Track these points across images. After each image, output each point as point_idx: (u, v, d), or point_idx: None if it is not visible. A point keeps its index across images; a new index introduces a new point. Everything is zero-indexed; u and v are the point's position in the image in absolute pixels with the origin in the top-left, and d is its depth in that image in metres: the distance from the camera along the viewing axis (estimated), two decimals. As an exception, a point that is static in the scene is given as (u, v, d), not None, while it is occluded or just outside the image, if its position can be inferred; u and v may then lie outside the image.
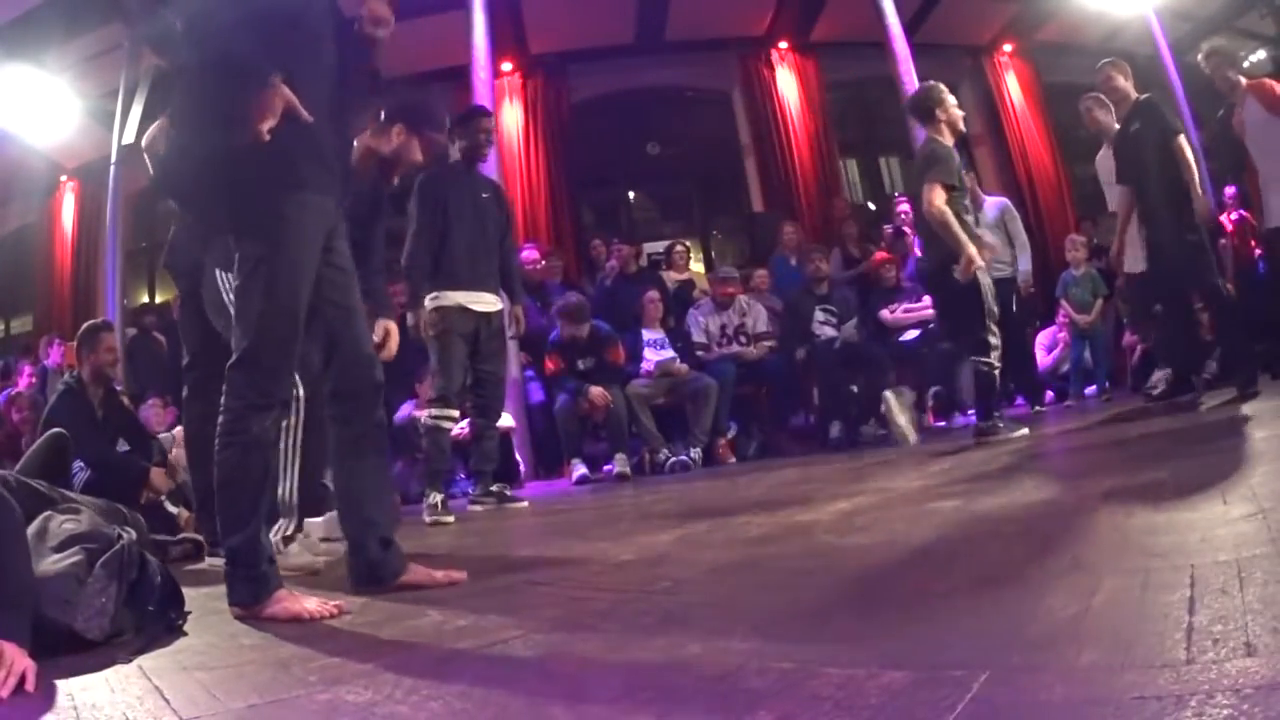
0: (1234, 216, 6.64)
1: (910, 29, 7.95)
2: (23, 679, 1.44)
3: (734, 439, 6.34)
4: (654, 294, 6.65)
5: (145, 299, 9.63)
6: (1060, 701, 0.92)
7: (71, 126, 8.48)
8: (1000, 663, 1.06)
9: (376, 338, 2.93)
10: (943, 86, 4.80)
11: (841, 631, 1.39)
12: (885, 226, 8.07)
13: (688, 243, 8.71)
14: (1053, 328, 7.39)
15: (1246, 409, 4.07)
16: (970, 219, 4.69)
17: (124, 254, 8.06)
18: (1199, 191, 4.61)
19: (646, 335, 6.44)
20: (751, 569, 2.03)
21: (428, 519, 4.11)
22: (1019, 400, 6.89)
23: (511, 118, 9.29)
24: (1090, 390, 7.04)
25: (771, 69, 9.87)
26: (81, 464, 3.81)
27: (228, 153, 2.01)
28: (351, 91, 2.27)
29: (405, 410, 5.84)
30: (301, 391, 2.62)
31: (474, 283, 4.39)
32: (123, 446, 4.30)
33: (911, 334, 6.66)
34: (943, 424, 6.69)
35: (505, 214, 4.74)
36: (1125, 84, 4.92)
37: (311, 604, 1.94)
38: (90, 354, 4.17)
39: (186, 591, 2.09)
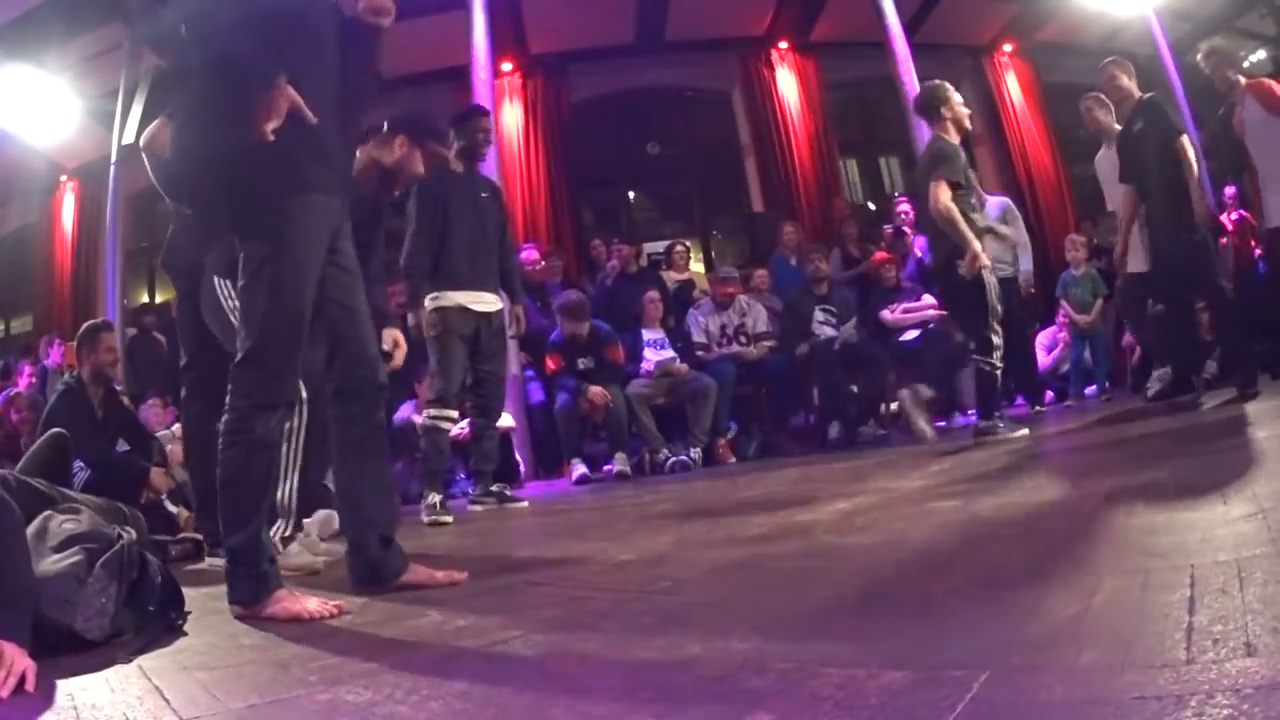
0: (1234, 216, 6.63)
1: (910, 29, 7.95)
2: (23, 679, 1.44)
3: (734, 439, 6.34)
4: (654, 294, 6.64)
5: (145, 299, 9.63)
6: (1060, 701, 0.92)
7: (71, 126, 8.48)
8: (1000, 663, 1.06)
9: (385, 347, 2.93)
10: (948, 85, 4.80)
11: (841, 631, 1.39)
12: (885, 226, 8.07)
13: (688, 243, 8.71)
14: (1053, 328, 7.39)
15: (1246, 409, 4.07)
16: (977, 217, 4.69)
17: (124, 254, 8.07)
18: (1199, 192, 4.61)
19: (646, 335, 6.44)
20: (751, 569, 2.03)
21: (425, 519, 4.11)
22: (1019, 400, 6.88)
23: (511, 118, 9.29)
24: (1090, 390, 7.04)
25: (771, 69, 9.87)
26: (81, 464, 3.81)
27: (232, 153, 2.01)
28: (355, 92, 2.28)
29: (405, 410, 5.84)
30: (304, 394, 2.62)
31: (474, 282, 4.39)
32: (123, 446, 4.31)
33: (911, 334, 6.66)
34: (943, 424, 6.69)
35: (503, 214, 4.74)
36: (1129, 83, 4.92)
37: (311, 604, 1.95)
38: (90, 354, 4.17)
39: (186, 591, 2.10)
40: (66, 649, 1.70)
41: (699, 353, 6.37)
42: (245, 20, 1.98)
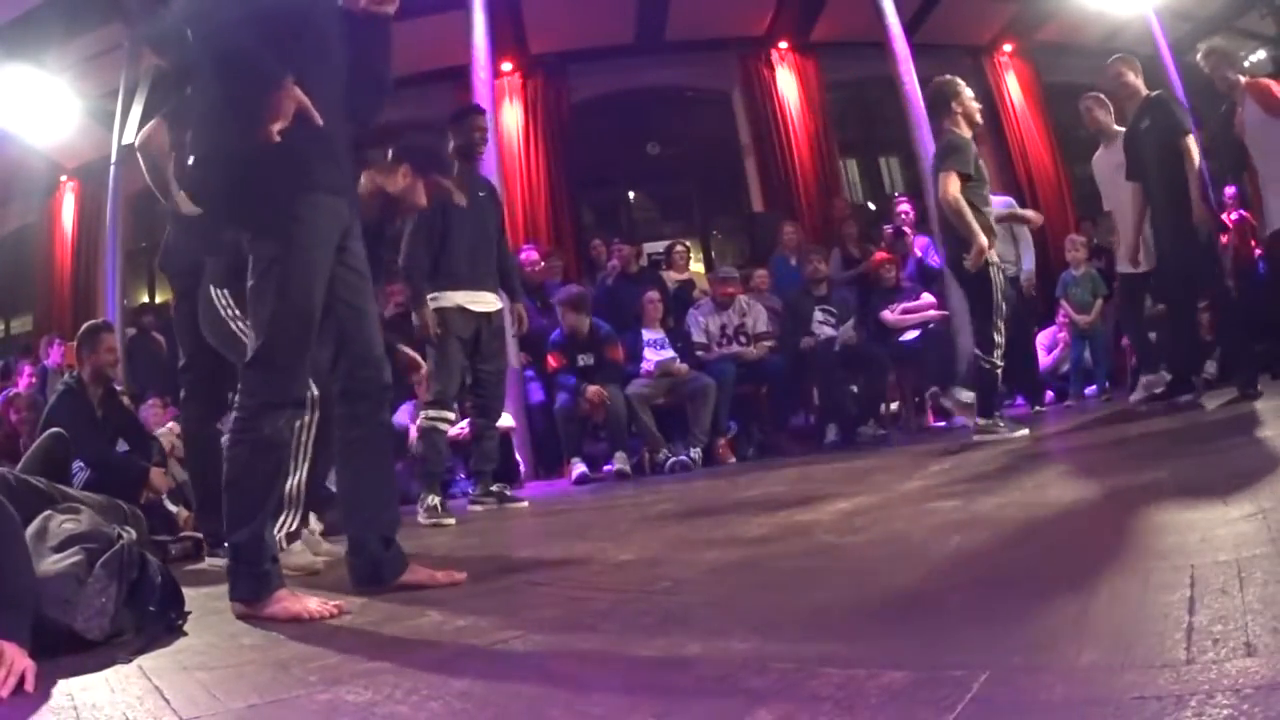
0: (1234, 216, 6.63)
1: (910, 29, 7.94)
2: (22, 679, 1.44)
3: (734, 439, 6.34)
4: (654, 294, 6.64)
5: (145, 299, 9.63)
6: (1060, 701, 0.92)
7: (71, 126, 8.48)
8: (1000, 663, 1.06)
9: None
10: (959, 80, 4.82)
11: (841, 631, 1.39)
12: (885, 226, 8.06)
13: (688, 243, 8.71)
14: (1053, 328, 7.39)
15: (1247, 409, 4.08)
16: (990, 210, 4.69)
17: (124, 254, 8.06)
18: (1198, 193, 4.60)
19: (646, 335, 6.44)
20: (751, 569, 2.03)
21: (423, 520, 4.11)
22: (1019, 400, 6.88)
23: (511, 118, 9.29)
24: (1090, 390, 7.04)
25: (771, 69, 9.87)
26: (81, 464, 3.81)
27: (240, 154, 2.02)
28: (367, 91, 2.28)
29: (404, 410, 5.84)
30: (316, 392, 2.62)
31: (474, 282, 4.38)
32: (123, 447, 4.31)
33: (912, 334, 6.66)
34: (943, 424, 6.69)
35: (500, 213, 4.73)
36: (1135, 80, 4.92)
37: (312, 604, 1.95)
38: (90, 354, 4.17)
39: (186, 591, 2.10)
40: (66, 649, 1.70)
41: (699, 353, 6.37)
42: (249, 19, 1.99)
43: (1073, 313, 7.06)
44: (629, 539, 2.87)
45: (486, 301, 4.43)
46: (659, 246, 8.83)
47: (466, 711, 1.18)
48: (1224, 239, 6.15)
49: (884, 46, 7.53)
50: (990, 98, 10.02)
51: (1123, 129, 5.23)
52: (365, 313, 2.26)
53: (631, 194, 10.57)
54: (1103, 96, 5.35)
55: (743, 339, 6.50)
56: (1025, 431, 4.52)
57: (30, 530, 1.93)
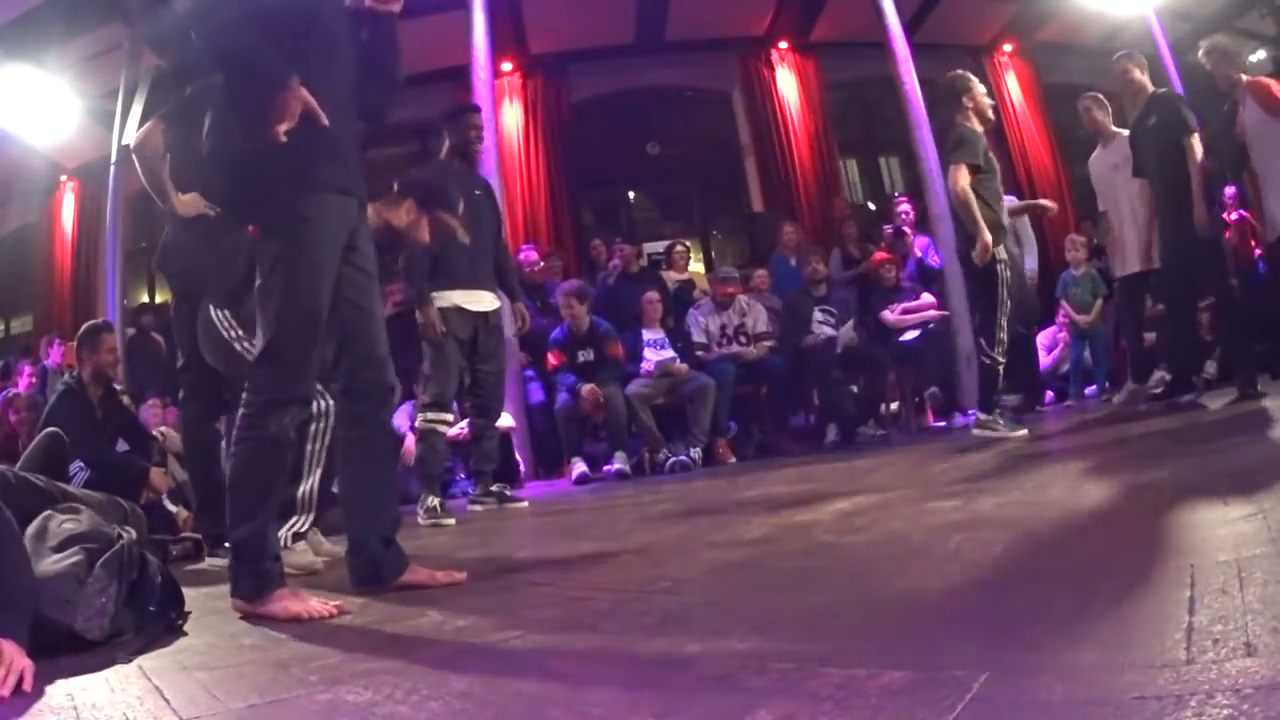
0: (1234, 216, 6.63)
1: (910, 29, 7.94)
2: (21, 678, 1.44)
3: (734, 439, 6.34)
4: (653, 294, 6.64)
5: (145, 299, 9.63)
6: (1060, 701, 0.92)
7: (71, 126, 8.48)
8: (1000, 663, 1.06)
9: None
10: (971, 76, 4.84)
11: (841, 631, 1.39)
12: (885, 226, 8.07)
13: (688, 243, 8.71)
14: (1052, 328, 7.39)
15: (1247, 409, 4.08)
16: (1002, 206, 4.69)
17: (124, 254, 8.05)
18: (1200, 192, 4.59)
19: (646, 335, 6.44)
20: (751, 569, 2.03)
21: (423, 521, 4.11)
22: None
23: (511, 118, 9.29)
24: (1090, 390, 7.04)
25: (771, 69, 9.87)
26: (81, 464, 3.82)
27: (246, 153, 2.03)
28: (376, 91, 2.29)
29: (404, 411, 5.83)
30: (329, 402, 2.63)
31: (472, 281, 4.38)
32: (122, 447, 4.31)
33: (912, 334, 6.67)
34: (943, 424, 6.70)
35: (496, 212, 4.73)
36: (1141, 76, 4.91)
37: (312, 604, 1.95)
38: (91, 354, 4.17)
39: (186, 591, 2.10)
40: (66, 649, 1.70)
41: (699, 353, 6.37)
42: (254, 18, 1.99)
43: (1073, 313, 7.06)
44: (629, 539, 2.87)
45: (484, 301, 4.43)
46: (659, 246, 8.83)
47: (466, 711, 1.18)
48: (1226, 234, 6.14)
49: (884, 46, 7.52)
50: (990, 98, 10.01)
51: (1120, 130, 5.23)
52: (371, 313, 2.26)
53: (631, 194, 10.57)
54: (1101, 97, 5.34)
55: (743, 339, 6.50)
56: (1025, 432, 4.52)
57: (30, 530, 1.94)
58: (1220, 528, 1.62)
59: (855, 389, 6.56)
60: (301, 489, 2.77)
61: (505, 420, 5.22)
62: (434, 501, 4.21)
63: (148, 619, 1.90)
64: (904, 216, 7.69)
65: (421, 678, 1.36)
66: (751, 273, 7.27)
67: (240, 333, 2.76)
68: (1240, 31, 9.66)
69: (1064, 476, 2.97)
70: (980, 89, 4.74)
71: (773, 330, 6.58)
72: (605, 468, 5.92)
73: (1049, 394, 7.06)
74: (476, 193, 4.57)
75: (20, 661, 1.46)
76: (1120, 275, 5.30)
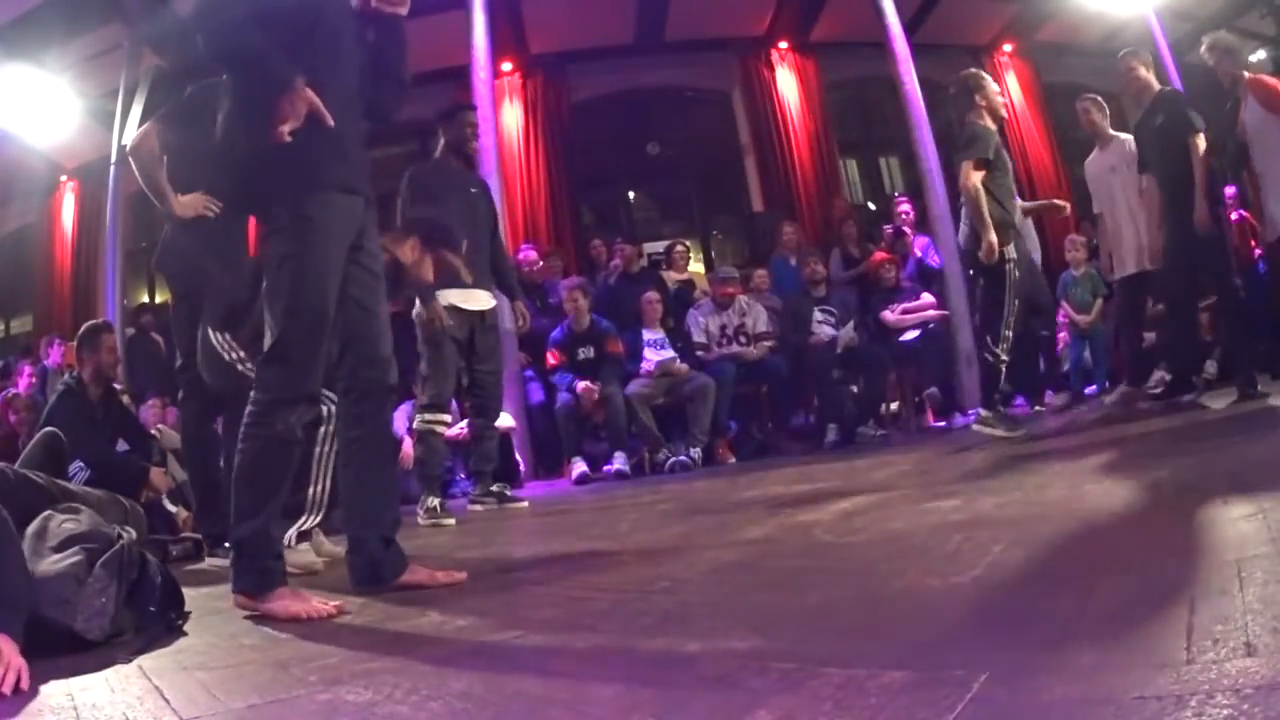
0: (1234, 216, 6.62)
1: (910, 29, 7.94)
2: (18, 676, 1.44)
3: (734, 439, 6.34)
4: (652, 295, 6.64)
5: (145, 299, 9.63)
6: (1060, 701, 0.92)
7: (71, 126, 8.48)
8: (1000, 663, 1.06)
9: None
10: (984, 74, 4.85)
11: (841, 631, 1.39)
12: (885, 226, 8.07)
13: (688, 243, 8.70)
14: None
15: (1247, 409, 4.08)
16: (1016, 203, 4.69)
17: (124, 254, 8.06)
18: (1203, 191, 4.59)
19: (646, 335, 6.44)
20: (751, 569, 2.03)
21: (423, 521, 4.11)
22: (1019, 400, 6.88)
23: (511, 118, 9.29)
24: (1090, 390, 7.03)
25: (771, 69, 9.87)
26: (81, 464, 3.82)
27: (252, 153, 2.03)
28: (384, 91, 2.30)
29: (403, 412, 5.83)
30: (336, 408, 2.64)
31: (468, 274, 4.36)
32: (122, 446, 4.31)
33: (912, 334, 6.67)
34: (943, 424, 6.70)
35: (492, 210, 4.72)
36: (1147, 74, 4.90)
37: (313, 604, 1.95)
38: (91, 354, 4.17)
39: (186, 591, 2.10)
40: (66, 649, 1.70)
41: (699, 353, 6.37)
42: (258, 17, 1.99)
43: (1073, 313, 7.05)
44: (629, 539, 2.87)
45: (479, 300, 4.42)
46: (659, 246, 8.83)
47: (466, 711, 1.18)
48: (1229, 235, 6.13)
49: (884, 46, 7.52)
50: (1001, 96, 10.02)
51: (1117, 134, 5.23)
52: (375, 314, 2.27)
53: (631, 194, 10.57)
54: (1100, 99, 5.33)
55: (743, 339, 6.50)
56: (1024, 432, 4.52)
57: (30, 530, 1.94)
58: (1220, 528, 1.62)
59: (855, 389, 6.56)
60: (311, 490, 2.77)
61: (505, 420, 5.22)
62: (434, 502, 4.21)
63: (148, 619, 1.90)
64: (904, 216, 7.69)
65: (421, 678, 1.36)
66: (751, 273, 7.27)
67: (241, 354, 2.77)
68: (1240, 31, 9.65)
69: (1064, 476, 2.97)
70: (993, 87, 4.73)
71: (773, 330, 6.58)
72: (605, 468, 5.92)
73: (1049, 394, 7.05)
74: (472, 191, 4.57)
75: (17, 660, 1.46)
76: (1119, 277, 5.29)
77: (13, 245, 10.07)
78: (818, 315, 6.60)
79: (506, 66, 9.17)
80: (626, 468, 5.79)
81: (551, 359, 6.15)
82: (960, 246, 5.22)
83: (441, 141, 4.55)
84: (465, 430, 4.91)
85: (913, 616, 1.42)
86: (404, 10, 2.28)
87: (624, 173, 10.32)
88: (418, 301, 4.23)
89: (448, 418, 4.44)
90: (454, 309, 4.31)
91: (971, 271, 5.51)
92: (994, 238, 4.37)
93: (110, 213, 7.96)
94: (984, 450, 4.12)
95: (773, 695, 1.06)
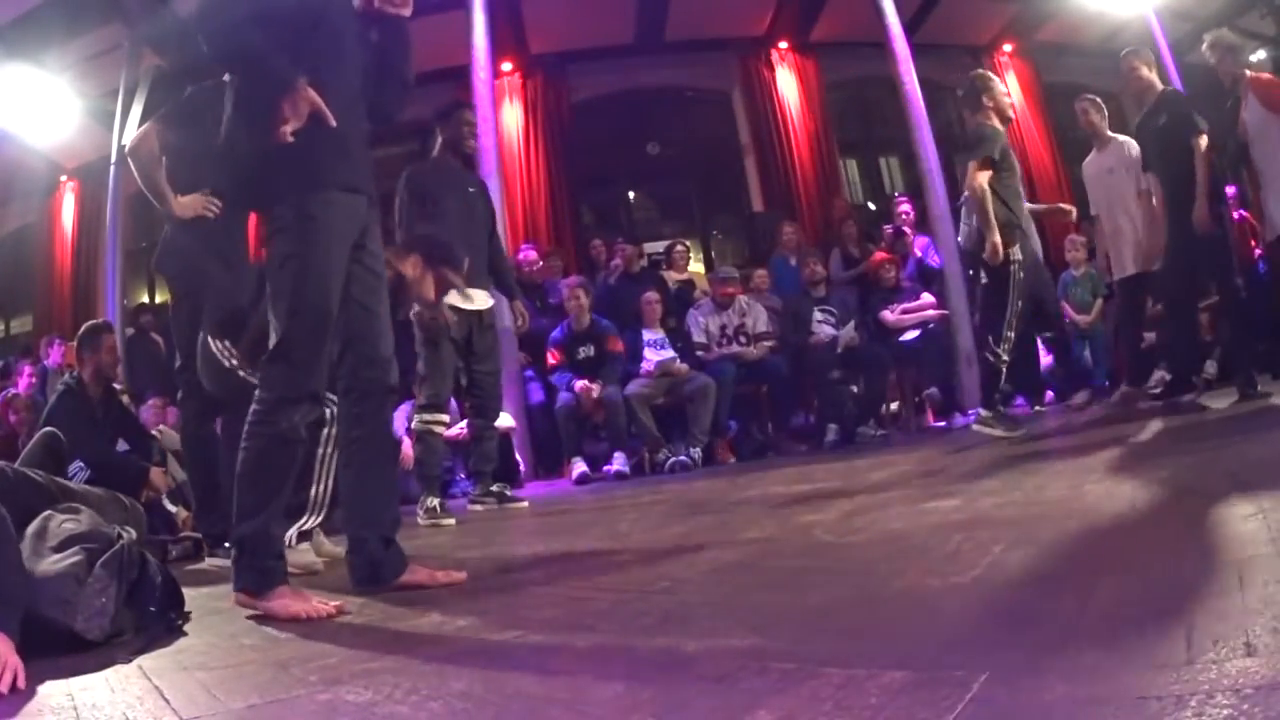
0: (1234, 216, 6.62)
1: (910, 29, 7.94)
2: (15, 675, 1.44)
3: (734, 439, 6.34)
4: (652, 295, 6.64)
5: (145, 299, 9.63)
6: (1061, 701, 0.92)
7: (71, 126, 8.48)
8: (1000, 663, 1.06)
9: None
10: (991, 75, 4.86)
11: (841, 631, 1.39)
12: (885, 226, 8.07)
13: (688, 243, 8.70)
14: (1051, 328, 7.38)
15: (1247, 409, 4.08)
16: (1023, 204, 4.69)
17: (124, 254, 8.06)
18: (1203, 192, 4.58)
19: (646, 335, 6.44)
20: (751, 569, 2.03)
21: (423, 521, 4.11)
22: (1019, 400, 6.88)
23: (511, 118, 9.29)
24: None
25: (771, 69, 9.87)
26: (81, 464, 3.82)
27: (254, 152, 2.03)
28: (387, 91, 2.30)
29: (402, 412, 5.83)
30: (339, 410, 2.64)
31: (466, 280, 4.36)
32: (123, 446, 4.31)
33: (912, 334, 6.67)
34: (943, 424, 6.70)
35: (490, 209, 4.72)
36: (1149, 74, 4.90)
37: (313, 603, 1.95)
38: (92, 355, 4.17)
39: (186, 591, 2.10)
40: (66, 649, 1.70)
41: (699, 353, 6.37)
42: (259, 16, 1.99)
43: (1073, 313, 7.05)
44: (629, 539, 2.87)
45: (477, 299, 4.42)
46: (659, 246, 8.83)
47: (466, 711, 1.18)
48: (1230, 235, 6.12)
49: (884, 46, 7.53)
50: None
51: (1115, 135, 5.22)
52: (377, 314, 2.27)
53: (631, 194, 10.57)
54: (1099, 100, 5.33)
55: (743, 339, 6.50)
56: (1024, 432, 4.52)
57: (30, 530, 1.94)
58: (1220, 528, 1.62)
59: (855, 389, 6.56)
60: (313, 490, 2.77)
61: (505, 420, 5.22)
62: (434, 502, 4.21)
63: (148, 619, 1.90)
64: (904, 216, 7.69)
65: (421, 678, 1.36)
66: (751, 273, 7.28)
67: (238, 361, 2.76)
68: (1240, 31, 9.63)
69: (1064, 476, 2.97)
70: (1000, 88, 4.74)
71: (773, 330, 6.58)
72: (605, 468, 5.92)
73: (1049, 394, 7.06)
74: (470, 190, 4.56)
75: (13, 659, 1.46)
76: (1118, 278, 5.29)
77: (13, 245, 10.07)
78: (818, 315, 6.61)
79: (506, 66, 9.17)
80: (626, 468, 5.79)
81: (551, 359, 6.15)
82: (961, 246, 5.22)
83: (439, 140, 4.55)
84: (465, 430, 4.90)
85: (913, 616, 1.42)
86: (407, 11, 2.29)
87: (624, 173, 10.32)
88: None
89: (445, 418, 4.44)
90: (452, 309, 4.31)
91: (972, 271, 5.51)
92: (999, 239, 4.37)
93: (110, 213, 7.95)
94: (984, 450, 4.12)
95: (773, 695, 1.06)
